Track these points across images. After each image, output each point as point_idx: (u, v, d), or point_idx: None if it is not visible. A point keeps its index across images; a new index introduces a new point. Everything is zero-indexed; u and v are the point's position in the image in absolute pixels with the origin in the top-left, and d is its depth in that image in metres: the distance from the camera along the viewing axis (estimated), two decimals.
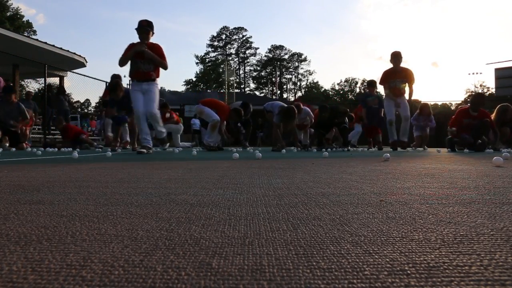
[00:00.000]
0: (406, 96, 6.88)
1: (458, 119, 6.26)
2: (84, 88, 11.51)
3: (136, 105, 4.64)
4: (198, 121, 15.50)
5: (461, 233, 0.62)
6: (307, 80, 64.40)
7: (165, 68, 4.73)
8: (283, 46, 63.93)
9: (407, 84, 6.91)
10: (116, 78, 6.78)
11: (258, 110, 9.08)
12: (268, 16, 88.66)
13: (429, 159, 3.34)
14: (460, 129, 6.17)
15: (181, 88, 62.95)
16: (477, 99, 6.28)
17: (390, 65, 7.02)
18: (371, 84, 7.98)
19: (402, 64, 6.92)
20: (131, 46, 4.62)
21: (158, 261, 0.47)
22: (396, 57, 6.87)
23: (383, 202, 0.94)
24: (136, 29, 4.59)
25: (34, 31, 42.19)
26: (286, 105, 6.83)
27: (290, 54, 63.80)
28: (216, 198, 1.00)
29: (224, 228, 0.65)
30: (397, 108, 6.92)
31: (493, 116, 6.53)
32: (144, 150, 4.50)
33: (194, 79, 61.72)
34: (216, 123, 6.34)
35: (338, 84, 65.32)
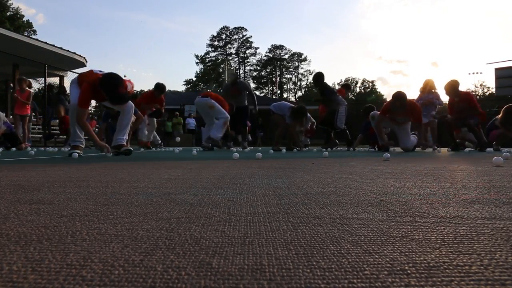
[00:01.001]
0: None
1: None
2: None
3: (74, 97, 3.86)
4: (192, 120, 15.42)
5: (461, 233, 0.62)
6: (307, 80, 64.41)
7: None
8: (283, 46, 63.90)
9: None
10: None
11: (258, 109, 9.07)
12: (268, 16, 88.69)
13: (429, 159, 3.34)
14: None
15: (181, 88, 62.94)
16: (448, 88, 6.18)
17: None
18: (368, 109, 7.37)
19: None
20: (88, 95, 3.76)
21: (158, 260, 0.47)
22: (397, 100, 5.84)
23: (383, 201, 0.94)
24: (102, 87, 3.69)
25: (34, 31, 42.23)
26: (293, 105, 6.91)
27: (290, 54, 63.78)
28: (216, 198, 1.00)
29: (224, 228, 0.65)
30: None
31: (499, 116, 6.48)
32: (80, 152, 3.81)
33: (194, 79, 61.80)
34: (228, 121, 6.41)
35: (338, 83, 65.34)
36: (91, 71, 3.97)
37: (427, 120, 6.93)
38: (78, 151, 3.80)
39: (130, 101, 4.15)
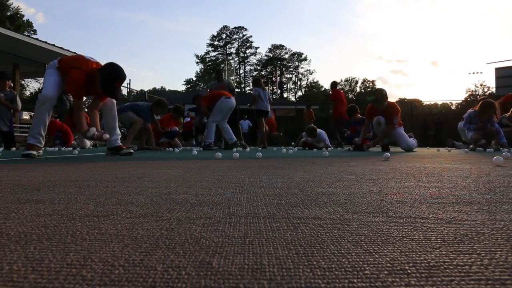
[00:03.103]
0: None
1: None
2: None
3: (49, 86, 3.42)
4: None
5: (462, 233, 0.62)
6: (307, 79, 64.51)
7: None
8: (283, 46, 64.03)
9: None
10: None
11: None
12: (268, 16, 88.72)
13: (429, 158, 3.33)
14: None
15: (181, 87, 63.03)
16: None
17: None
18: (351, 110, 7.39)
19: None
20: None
21: (158, 260, 0.47)
22: (372, 94, 6.11)
23: (383, 201, 0.94)
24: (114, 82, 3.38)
25: (34, 31, 42.27)
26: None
27: (290, 53, 63.87)
28: (216, 198, 1.00)
29: (224, 228, 0.65)
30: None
31: (507, 114, 6.43)
32: (34, 152, 3.31)
33: (194, 79, 61.85)
34: None
35: (338, 83, 65.37)
36: (81, 57, 3.51)
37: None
38: (34, 152, 3.31)
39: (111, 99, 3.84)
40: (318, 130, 8.10)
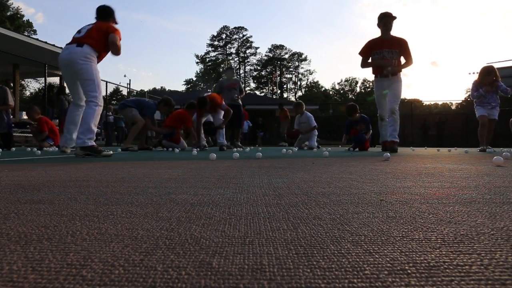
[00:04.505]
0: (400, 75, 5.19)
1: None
2: None
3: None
4: None
5: (462, 233, 0.62)
6: (307, 79, 64.53)
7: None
8: (283, 46, 64.02)
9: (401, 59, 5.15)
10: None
11: (258, 109, 9.14)
12: (268, 16, 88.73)
13: (429, 158, 3.33)
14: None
15: (181, 87, 63.10)
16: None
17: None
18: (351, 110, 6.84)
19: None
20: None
21: (158, 260, 0.47)
22: (384, 19, 5.05)
23: (383, 201, 0.94)
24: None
25: (34, 31, 42.29)
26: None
27: (291, 53, 63.90)
28: (216, 198, 1.00)
29: (224, 228, 0.65)
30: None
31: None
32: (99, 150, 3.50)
33: (194, 79, 61.90)
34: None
35: (338, 83, 65.45)
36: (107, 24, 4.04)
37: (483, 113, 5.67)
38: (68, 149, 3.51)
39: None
40: (308, 114, 8.19)
